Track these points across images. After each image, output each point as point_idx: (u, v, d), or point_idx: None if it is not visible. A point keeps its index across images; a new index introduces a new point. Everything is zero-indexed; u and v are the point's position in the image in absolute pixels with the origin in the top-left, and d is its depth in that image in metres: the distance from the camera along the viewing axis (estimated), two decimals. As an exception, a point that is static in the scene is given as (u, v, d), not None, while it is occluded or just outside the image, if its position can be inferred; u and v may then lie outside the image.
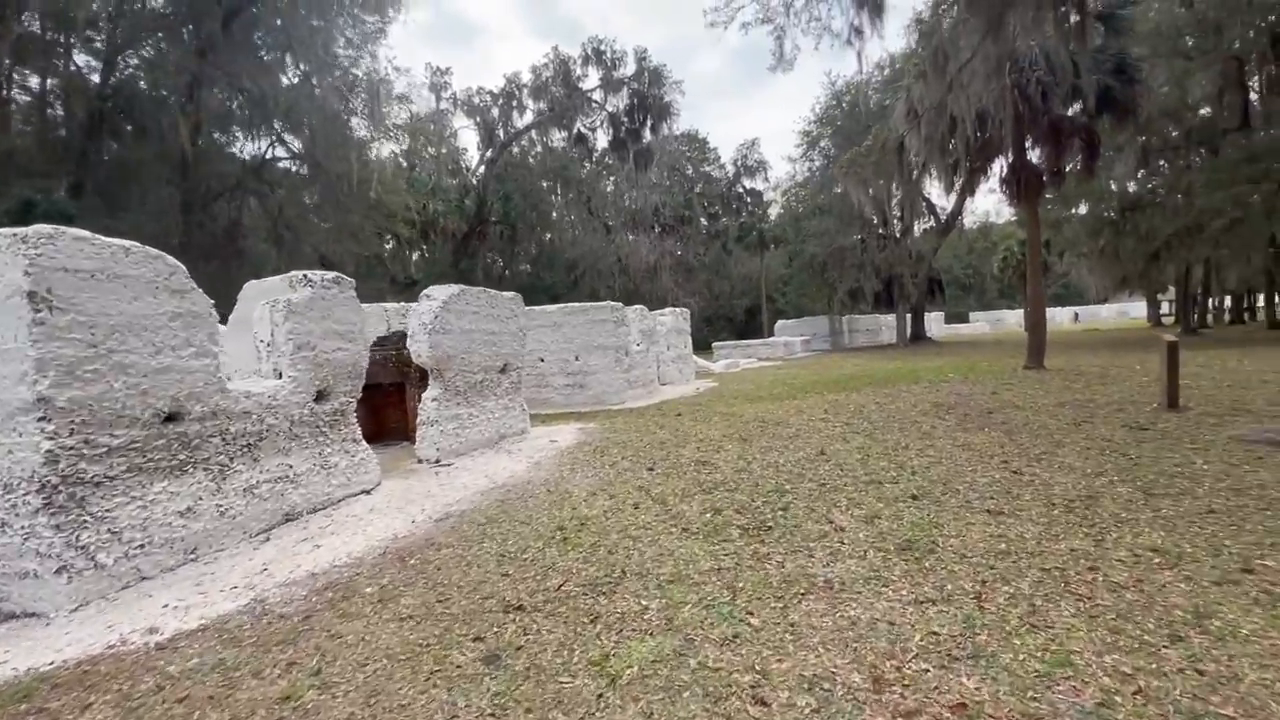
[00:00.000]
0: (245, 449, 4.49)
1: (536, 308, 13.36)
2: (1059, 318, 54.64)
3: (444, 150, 35.88)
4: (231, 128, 16.97)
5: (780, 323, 38.13)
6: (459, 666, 2.56)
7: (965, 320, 56.47)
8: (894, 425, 7.62)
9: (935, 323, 45.46)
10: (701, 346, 37.72)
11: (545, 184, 37.99)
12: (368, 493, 5.61)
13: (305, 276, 5.19)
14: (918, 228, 34.46)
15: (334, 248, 25.69)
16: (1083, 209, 35.34)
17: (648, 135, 33.69)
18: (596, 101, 33.35)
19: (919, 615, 2.76)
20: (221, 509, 4.26)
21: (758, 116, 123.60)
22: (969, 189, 14.43)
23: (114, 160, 19.81)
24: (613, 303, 12.94)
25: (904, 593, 2.99)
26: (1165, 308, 45.24)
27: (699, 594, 3.10)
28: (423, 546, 4.06)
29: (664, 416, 9.80)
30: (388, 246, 32.46)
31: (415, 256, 37.63)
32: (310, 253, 24.01)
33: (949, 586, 3.02)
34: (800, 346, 30.32)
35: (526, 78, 35.13)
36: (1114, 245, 21.58)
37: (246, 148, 18.69)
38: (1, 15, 18.56)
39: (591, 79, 33.69)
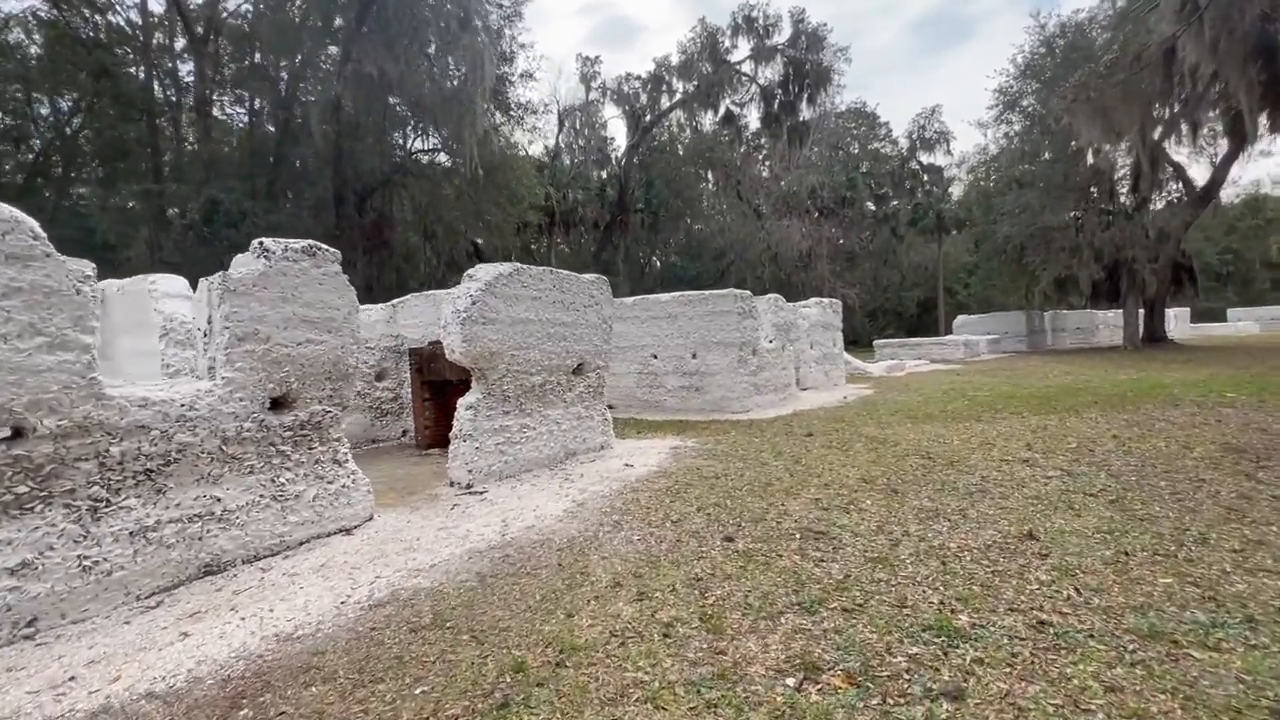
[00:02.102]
0: (141, 477, 3.27)
1: (650, 296, 11.67)
2: (1371, 317, 40.86)
3: (591, 140, 35.68)
4: (376, 121, 17.63)
5: (961, 318, 32.63)
6: None
7: (1220, 318, 44.49)
8: (1159, 483, 4.66)
9: (1177, 321, 36.16)
10: (864, 344, 33.53)
11: (693, 169, 36.21)
12: (348, 532, 4.25)
13: (261, 244, 3.91)
14: (1157, 199, 27.08)
15: (487, 241, 26.43)
16: None
17: (804, 108, 30.33)
18: (746, 75, 30.70)
19: None
20: (87, 563, 3.04)
21: (937, 93, 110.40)
22: (1274, 124, 9.81)
23: (293, 163, 21.78)
24: (739, 290, 10.77)
25: None
26: None
27: None
28: (292, 676, 2.46)
29: (789, 437, 7.51)
30: (544, 239, 33.01)
31: (564, 249, 38.12)
32: (461, 245, 24.81)
33: None
34: (986, 347, 25.31)
35: (675, 60, 33.56)
36: None
37: (398, 142, 19.50)
38: (206, 36, 21.13)
39: (741, 50, 31.09)
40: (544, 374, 6.20)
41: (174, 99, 24.74)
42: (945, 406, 9.70)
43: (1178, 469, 5.06)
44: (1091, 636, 2.45)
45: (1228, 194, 36.88)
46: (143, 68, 23.85)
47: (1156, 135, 24.20)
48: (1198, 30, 6.92)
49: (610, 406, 12.00)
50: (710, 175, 38.38)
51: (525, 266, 6.03)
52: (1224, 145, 24.76)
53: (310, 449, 4.10)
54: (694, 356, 10.93)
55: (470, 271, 5.70)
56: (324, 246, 4.21)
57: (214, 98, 21.02)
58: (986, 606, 2.74)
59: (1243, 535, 3.51)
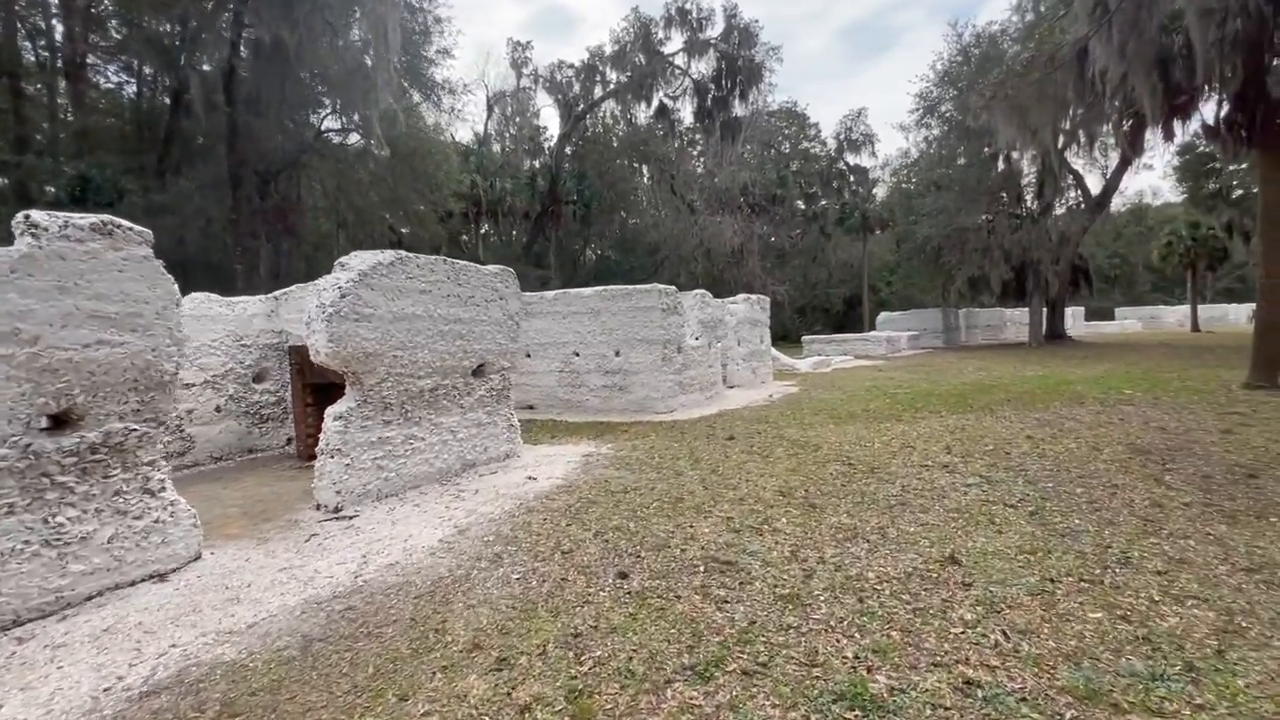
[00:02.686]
0: None
1: (572, 291, 11.06)
2: (1234, 316, 45.43)
3: (523, 129, 34.47)
4: (276, 95, 15.96)
5: (883, 315, 33.76)
6: None
7: (1110, 317, 48.32)
8: (1075, 490, 4.52)
9: (1074, 319, 38.88)
10: (793, 340, 34.09)
11: (627, 162, 35.65)
12: (162, 577, 3.45)
13: (27, 217, 3.05)
14: (1059, 205, 28.88)
15: (410, 230, 24.80)
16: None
17: (736, 104, 30.36)
18: (679, 67, 30.40)
19: None
20: None
21: (864, 98, 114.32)
22: (1168, 133, 10.33)
23: (187, 138, 19.68)
24: (663, 286, 10.33)
25: None
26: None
27: None
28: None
29: (709, 441, 7.12)
30: (472, 229, 31.50)
31: (494, 240, 36.73)
32: (380, 234, 23.18)
33: None
34: (906, 343, 26.18)
35: (609, 50, 32.84)
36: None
37: (308, 120, 17.86)
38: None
39: (675, 42, 30.77)
40: (435, 377, 5.50)
41: (46, 63, 21.86)
42: (868, 405, 9.62)
43: (1091, 473, 4.97)
44: (1024, 700, 2.08)
45: (1116, 203, 39.84)
46: (2, 23, 20.92)
47: (1060, 144, 25.83)
48: (1107, 34, 7.06)
49: (530, 407, 11.35)
50: (645, 169, 37.98)
51: (411, 255, 5.30)
52: (1114, 158, 26.76)
53: (106, 478, 3.27)
54: (617, 354, 10.42)
55: (342, 260, 4.92)
56: (125, 224, 3.37)
57: (92, 63, 18.60)
58: (906, 661, 2.34)
59: (1163, 553, 3.32)
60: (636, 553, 3.55)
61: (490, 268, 6.36)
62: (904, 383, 12.82)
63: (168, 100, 21.36)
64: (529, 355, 11.34)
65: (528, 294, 11.66)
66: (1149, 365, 14.42)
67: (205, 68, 19.03)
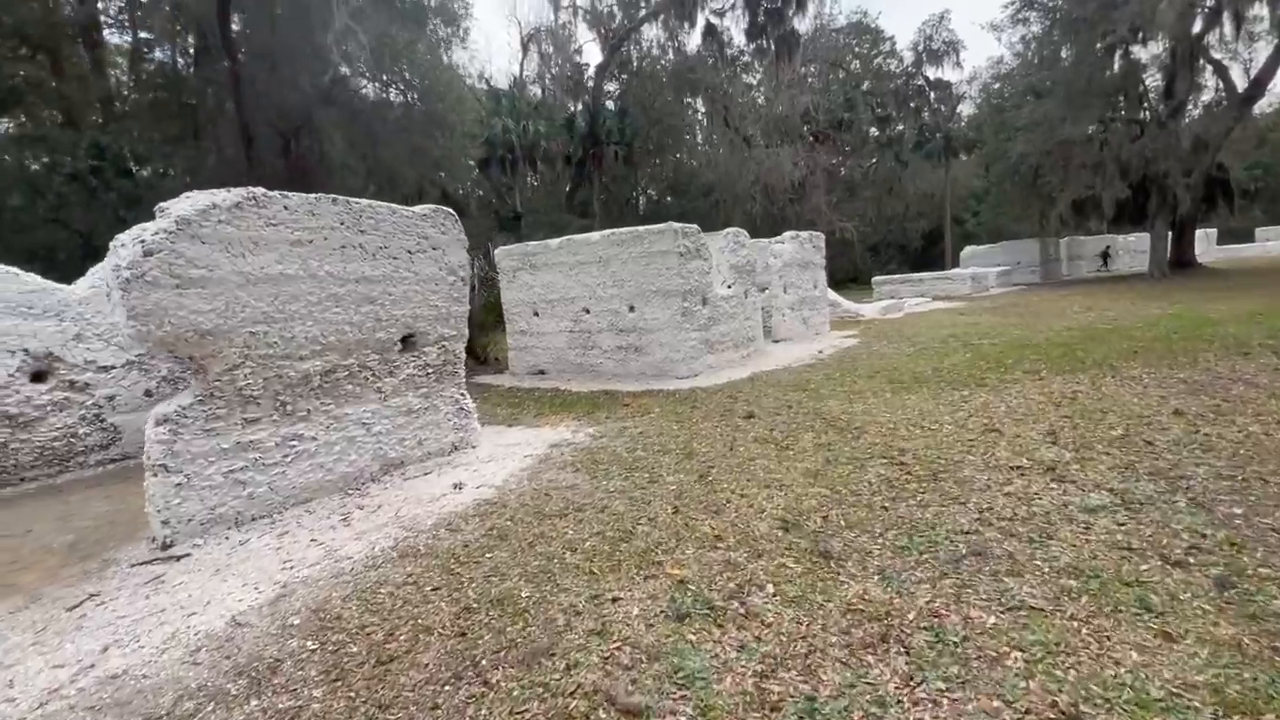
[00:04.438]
0: None
1: (578, 237, 9.49)
2: None
3: (564, 67, 32.26)
4: (283, 44, 14.90)
5: (968, 249, 30.07)
6: None
7: (1246, 239, 41.20)
8: (1291, 528, 2.64)
9: (1206, 243, 33.29)
10: (864, 282, 31.02)
11: (676, 96, 32.79)
12: None
13: None
14: (1193, 105, 23.92)
15: (455, 187, 23.66)
16: None
17: (793, 16, 26.78)
18: (727, -23, 27.00)
19: None
20: None
21: (948, 2, 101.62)
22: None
23: (208, 100, 19.18)
24: (680, 225, 8.54)
25: None
26: None
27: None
28: None
29: (722, 421, 5.50)
30: (513, 177, 30.11)
31: (540, 190, 35.28)
32: (409, 185, 22.18)
33: None
34: (995, 280, 22.96)
35: (653, -32, 29.65)
36: None
37: (318, 71, 16.86)
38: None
39: (723, -50, 27.31)
40: (331, 355, 4.16)
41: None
42: (941, 362, 7.62)
43: (1307, 488, 3.03)
44: None
45: (1260, 104, 32.46)
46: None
47: (1196, 29, 21.03)
48: None
49: (541, 372, 10.03)
50: (698, 103, 34.97)
51: (275, 194, 3.89)
52: (1263, 48, 21.72)
53: None
54: (631, 310, 8.85)
55: (162, 205, 3.57)
56: None
57: (114, 22, 18.29)
58: None
59: None
60: (495, 664, 2.09)
61: (418, 208, 4.88)
62: (990, 329, 10.51)
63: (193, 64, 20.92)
64: (537, 314, 9.97)
65: (531, 244, 10.19)
66: (1321, 297, 11.29)
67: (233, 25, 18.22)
